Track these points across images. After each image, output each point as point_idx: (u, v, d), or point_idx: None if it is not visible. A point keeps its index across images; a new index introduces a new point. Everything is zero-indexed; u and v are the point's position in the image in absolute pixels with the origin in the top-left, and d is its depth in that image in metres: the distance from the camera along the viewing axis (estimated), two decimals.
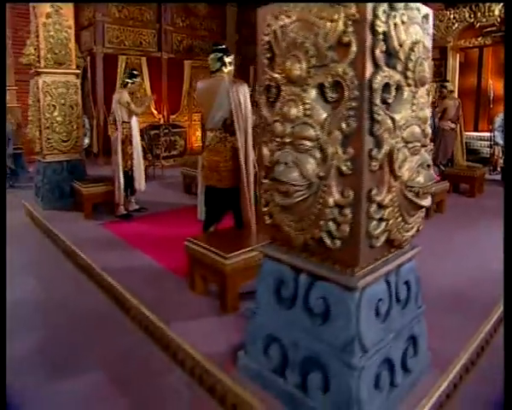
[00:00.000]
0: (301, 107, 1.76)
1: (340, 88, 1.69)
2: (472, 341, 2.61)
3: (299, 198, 1.77)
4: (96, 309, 3.48)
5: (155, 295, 3.25)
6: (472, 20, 8.40)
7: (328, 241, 1.77)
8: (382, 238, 1.79)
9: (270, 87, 1.95)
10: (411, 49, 1.76)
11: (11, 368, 2.71)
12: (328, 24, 1.68)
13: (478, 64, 10.12)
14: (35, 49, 5.88)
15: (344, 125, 1.69)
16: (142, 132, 9.79)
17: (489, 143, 8.42)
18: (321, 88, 1.74)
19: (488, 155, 8.45)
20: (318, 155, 1.74)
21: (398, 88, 1.76)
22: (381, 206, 1.74)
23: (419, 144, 1.86)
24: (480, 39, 8.56)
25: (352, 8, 1.63)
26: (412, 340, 2.12)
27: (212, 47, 3.60)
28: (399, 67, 1.75)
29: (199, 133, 12.42)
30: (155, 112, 11.60)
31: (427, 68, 1.84)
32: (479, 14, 8.33)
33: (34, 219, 5.93)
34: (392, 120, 1.73)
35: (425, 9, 1.92)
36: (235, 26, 12.91)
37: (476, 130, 9.81)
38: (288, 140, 1.79)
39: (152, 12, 11.77)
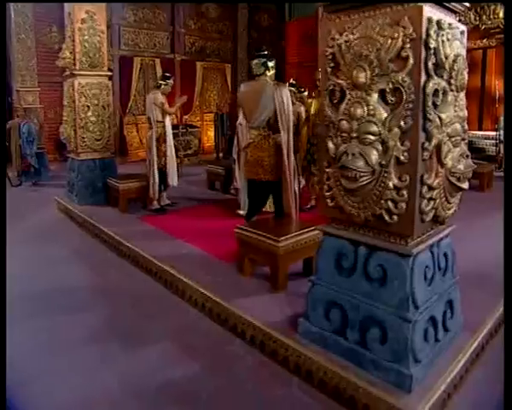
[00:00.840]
0: (366, 108, 2.16)
1: (399, 93, 2.09)
2: (495, 311, 3.02)
3: (364, 182, 2.17)
4: (149, 292, 3.88)
5: (207, 277, 3.63)
6: (477, 23, 8.82)
7: (387, 217, 2.17)
8: (430, 215, 2.20)
9: (334, 91, 2.34)
10: (454, 61, 2.16)
11: (89, 337, 3.12)
12: (389, 41, 2.08)
13: (482, 65, 10.56)
14: (70, 52, 6.24)
15: (402, 123, 2.09)
16: None
17: (494, 141, 8.84)
18: (382, 93, 2.14)
19: (494, 154, 8.87)
20: (380, 147, 2.14)
21: (444, 93, 2.16)
22: (430, 188, 2.14)
23: (459, 138, 2.26)
24: (484, 41, 8.99)
25: (410, 29, 2.03)
26: (449, 304, 2.52)
27: (255, 53, 3.97)
28: (445, 76, 2.14)
29: (210, 133, 12.80)
30: None
31: (466, 76, 2.24)
32: (484, 16, 8.76)
33: (70, 213, 6.31)
34: (440, 118, 2.13)
35: (462, 27, 2.33)
36: (247, 28, 13.26)
37: (480, 129, 10.24)
38: (354, 135, 2.19)
39: (165, 15, 12.16)
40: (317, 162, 4.39)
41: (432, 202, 2.18)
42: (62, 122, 9.81)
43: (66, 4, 6.42)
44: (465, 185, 2.28)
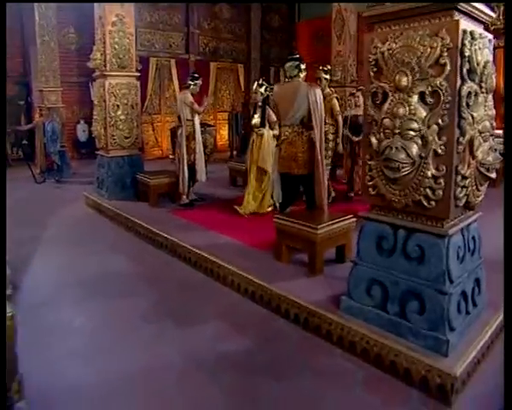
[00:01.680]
0: (407, 108, 2.47)
1: (437, 95, 2.40)
2: None
3: (405, 172, 2.49)
4: (190, 279, 4.21)
5: (247, 264, 3.95)
6: (487, 23, 9.08)
7: (425, 202, 2.49)
8: (463, 200, 2.51)
9: (376, 93, 2.66)
10: (484, 67, 2.48)
11: (143, 318, 3.43)
12: (429, 49, 2.39)
13: None
14: (101, 54, 6.57)
15: (440, 121, 2.40)
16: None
17: (502, 140, 9.12)
18: (422, 95, 2.45)
19: (502, 151, 9.14)
20: (420, 141, 2.45)
21: (476, 94, 2.47)
22: (463, 177, 2.46)
23: (488, 134, 2.58)
24: (494, 41, 9.25)
25: (447, 40, 2.34)
26: (477, 282, 2.84)
27: (288, 56, 4.28)
28: (477, 80, 2.46)
29: (223, 132, 13.12)
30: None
31: (494, 80, 2.55)
32: (494, 17, 9.03)
33: (100, 208, 6.64)
34: (472, 117, 2.45)
35: (489, 36, 2.64)
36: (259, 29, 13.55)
37: None
38: (397, 131, 2.50)
39: (180, 16, 12.45)
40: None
41: (464, 190, 2.49)
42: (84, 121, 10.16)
43: (96, 8, 6.74)
44: (493, 175, 2.61)
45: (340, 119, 5.77)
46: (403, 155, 2.47)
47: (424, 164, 2.46)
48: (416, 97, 2.47)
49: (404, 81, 2.47)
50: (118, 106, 6.62)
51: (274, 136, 5.43)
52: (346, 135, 6.30)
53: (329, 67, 5.99)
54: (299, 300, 3.22)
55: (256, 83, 5.74)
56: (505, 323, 1.71)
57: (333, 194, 6.06)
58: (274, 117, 5.34)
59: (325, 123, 5.27)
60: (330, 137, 5.72)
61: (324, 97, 5.17)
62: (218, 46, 13.09)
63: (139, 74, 7.02)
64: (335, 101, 5.80)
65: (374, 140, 2.65)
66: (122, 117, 6.66)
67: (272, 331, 3.24)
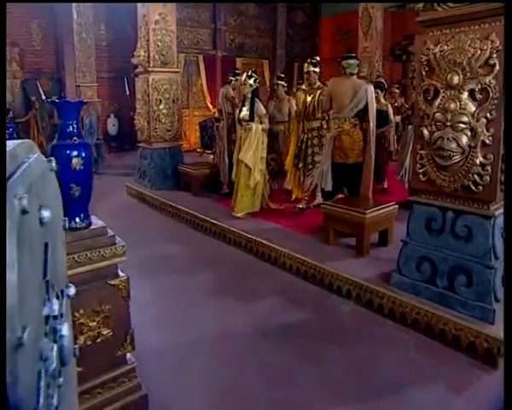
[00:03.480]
0: (458, 103, 2.78)
1: (486, 92, 2.71)
2: None
3: (456, 160, 2.81)
4: (242, 261, 4.56)
5: (297, 246, 4.30)
6: None
7: (473, 187, 2.80)
8: None
9: (428, 90, 2.97)
10: None
11: (205, 293, 3.79)
12: (479, 51, 2.70)
13: None
14: (145, 51, 6.94)
15: (488, 115, 2.71)
16: (208, 124, 10.85)
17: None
18: (471, 91, 2.76)
19: None
20: (469, 133, 2.76)
21: None
22: None
23: None
24: None
25: (497, 43, 2.64)
26: None
27: (349, 54, 4.60)
28: None
29: None
30: (210, 106, 12.64)
31: None
32: None
33: (143, 197, 7.04)
34: None
35: None
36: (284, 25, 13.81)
37: None
38: (448, 124, 2.82)
39: (207, 13, 12.77)
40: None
41: None
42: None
43: (139, 7, 7.11)
44: None
45: (331, 112, 5.26)
46: (454, 145, 2.78)
47: (473, 153, 2.77)
48: (466, 94, 2.77)
49: (456, 80, 2.78)
50: (160, 100, 6.99)
51: (263, 130, 5.25)
52: None
53: (318, 59, 5.58)
54: (351, 276, 3.56)
55: (245, 74, 5.51)
56: (505, 323, 1.92)
57: (303, 204, 5.58)
58: (263, 110, 5.30)
59: (315, 118, 5.36)
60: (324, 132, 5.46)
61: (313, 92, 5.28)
62: (243, 42, 13.40)
63: (180, 70, 7.38)
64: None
65: (426, 132, 2.97)
66: (164, 111, 7.03)
67: (327, 306, 3.58)
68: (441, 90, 2.88)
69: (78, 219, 2.27)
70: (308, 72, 5.44)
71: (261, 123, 5.20)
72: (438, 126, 2.89)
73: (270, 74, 13.68)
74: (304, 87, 5.57)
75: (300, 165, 5.50)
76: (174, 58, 7.14)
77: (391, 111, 6.33)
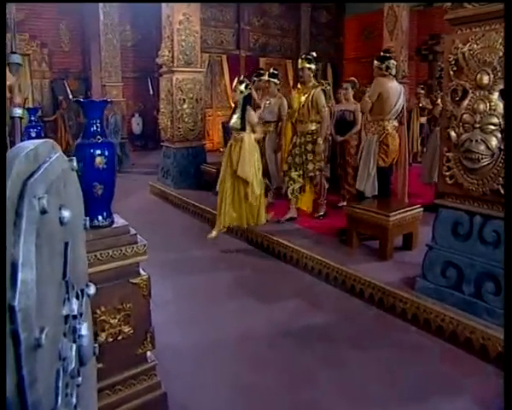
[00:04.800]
0: (488, 104, 2.70)
1: None
2: None
3: (485, 163, 2.72)
4: (263, 262, 4.55)
5: (319, 248, 4.25)
6: None
7: (503, 191, 2.71)
8: None
9: (456, 90, 2.89)
10: None
11: (227, 294, 3.77)
12: None
13: None
14: (169, 51, 6.99)
15: None
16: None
17: None
18: (501, 92, 2.67)
19: None
20: (499, 135, 2.68)
21: None
22: None
23: None
24: None
25: None
26: None
27: (387, 54, 4.46)
28: None
29: None
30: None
31: None
32: None
33: (166, 196, 7.09)
34: None
35: None
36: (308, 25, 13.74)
37: None
38: (477, 125, 2.73)
39: (231, 13, 12.81)
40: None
41: None
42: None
43: (164, 8, 7.16)
44: None
45: (325, 114, 4.89)
46: (482, 147, 2.70)
47: (502, 155, 2.68)
48: (496, 94, 2.69)
49: (486, 79, 2.69)
50: (184, 100, 7.04)
51: (256, 140, 4.79)
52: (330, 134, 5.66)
53: (315, 54, 5.08)
54: (374, 280, 3.49)
55: (236, 79, 5.08)
56: (505, 324, 1.85)
57: (293, 212, 5.20)
58: (255, 118, 4.82)
59: (310, 121, 4.87)
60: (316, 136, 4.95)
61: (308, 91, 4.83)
62: (267, 42, 13.38)
63: (203, 70, 7.40)
64: (321, 93, 4.88)
65: (453, 134, 2.89)
66: (187, 110, 7.07)
67: (349, 309, 3.53)
68: (470, 91, 2.80)
69: (100, 218, 2.29)
70: (302, 68, 4.97)
71: (253, 132, 4.76)
72: (466, 128, 2.81)
73: (293, 74, 13.62)
74: (299, 86, 5.13)
75: (294, 173, 4.98)
76: (198, 58, 7.17)
77: (359, 112, 5.42)
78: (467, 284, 2.94)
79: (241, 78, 5.00)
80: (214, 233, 4.93)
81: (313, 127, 4.91)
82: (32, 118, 5.57)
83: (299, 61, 5.05)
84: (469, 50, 2.79)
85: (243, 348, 3.00)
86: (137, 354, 2.29)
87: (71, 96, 10.66)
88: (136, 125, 13.48)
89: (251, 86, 6.34)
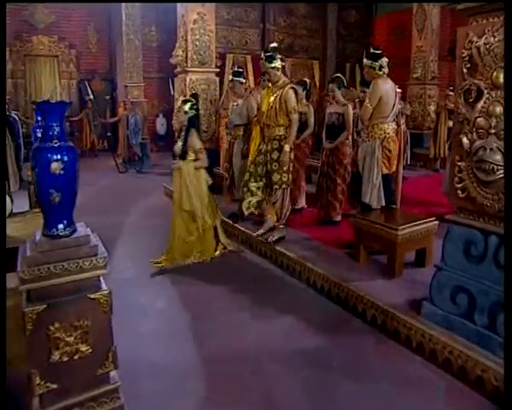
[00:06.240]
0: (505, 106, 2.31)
1: None
2: None
3: (501, 175, 2.33)
4: (266, 273, 4.26)
5: (323, 261, 3.92)
6: None
7: None
8: None
9: (469, 90, 2.51)
10: None
11: (219, 304, 3.60)
12: None
13: None
14: (183, 51, 6.80)
15: None
16: None
17: None
18: None
19: None
20: None
21: None
22: None
23: None
24: None
25: None
26: None
27: (378, 52, 4.03)
28: None
29: None
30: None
31: None
32: None
33: None
34: None
35: None
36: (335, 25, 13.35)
37: None
38: (492, 131, 2.35)
39: (256, 13, 12.55)
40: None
41: None
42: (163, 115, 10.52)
43: (179, 7, 6.98)
44: None
45: (294, 117, 4.22)
46: (498, 157, 2.32)
47: None
48: None
49: (503, 78, 2.31)
50: None
51: (196, 168, 4.25)
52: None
53: (275, 45, 4.60)
54: (378, 301, 3.14)
55: (180, 98, 4.56)
56: (505, 324, 1.55)
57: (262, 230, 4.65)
58: (198, 143, 4.22)
59: (280, 125, 4.26)
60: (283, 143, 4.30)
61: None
62: (293, 42, 13.04)
63: (218, 70, 7.18)
64: (291, 93, 4.22)
65: (465, 140, 2.51)
66: (201, 112, 6.81)
67: (348, 331, 3.19)
68: (485, 91, 2.42)
69: (61, 226, 2.13)
70: (266, 70, 4.45)
71: (196, 159, 4.24)
72: (480, 134, 2.43)
73: (320, 76, 13.26)
74: (269, 85, 4.47)
75: (253, 185, 4.43)
76: (212, 58, 6.95)
77: (349, 115, 4.86)
78: (479, 314, 2.55)
79: (186, 96, 4.49)
80: (160, 264, 4.26)
81: (281, 132, 4.28)
82: (39, 118, 5.49)
83: (261, 62, 4.45)
84: (485, 44, 2.41)
85: (225, 370, 2.75)
86: (97, 374, 2.12)
87: (92, 97, 10.67)
88: (161, 125, 13.44)
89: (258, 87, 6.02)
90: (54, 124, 2.17)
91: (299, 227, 4.91)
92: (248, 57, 12.50)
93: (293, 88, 4.28)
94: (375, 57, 3.95)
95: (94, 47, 13.38)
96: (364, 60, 4.09)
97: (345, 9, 13.43)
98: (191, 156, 4.21)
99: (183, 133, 4.27)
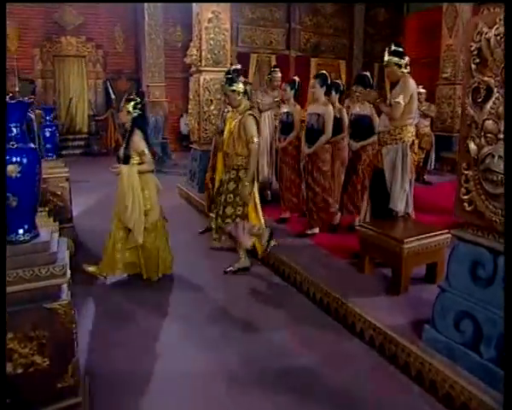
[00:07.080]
0: None
1: None
2: None
3: None
4: (264, 280, 4.05)
5: (325, 272, 3.66)
6: None
7: None
8: None
9: (478, 89, 2.20)
10: None
11: (209, 314, 3.36)
12: None
13: None
14: (197, 50, 6.64)
15: None
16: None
17: None
18: None
19: None
20: None
21: None
22: None
23: None
24: None
25: None
26: None
27: (399, 49, 3.68)
28: None
29: None
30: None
31: None
32: None
33: (191, 200, 6.76)
34: None
35: None
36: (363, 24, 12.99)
37: None
38: (501, 136, 2.04)
39: (281, 12, 12.34)
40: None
41: None
42: (187, 115, 10.40)
43: (194, 6, 6.82)
44: None
45: (254, 147, 3.76)
46: None
47: None
48: None
49: None
50: (211, 101, 6.66)
51: (140, 171, 3.72)
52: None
53: (239, 66, 4.46)
54: (377, 322, 2.85)
55: (124, 98, 4.12)
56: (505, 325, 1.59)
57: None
58: (141, 145, 3.71)
59: (238, 154, 3.84)
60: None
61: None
62: (319, 42, 12.76)
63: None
64: (251, 120, 3.78)
65: (472, 146, 2.20)
66: (215, 112, 6.67)
67: (344, 351, 2.92)
68: (495, 89, 2.10)
69: (21, 231, 2.03)
70: (225, 93, 4.14)
71: (141, 163, 3.74)
72: (488, 139, 2.12)
73: (346, 75, 12.90)
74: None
75: (213, 212, 4.17)
76: (227, 57, 6.75)
77: (329, 117, 4.52)
78: (486, 345, 2.23)
79: (131, 95, 4.04)
80: (91, 269, 3.93)
81: (239, 162, 3.86)
82: (48, 118, 5.43)
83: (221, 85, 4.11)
84: (496, 35, 2.10)
85: (202, 389, 2.56)
86: (57, 388, 2.03)
87: (113, 96, 10.69)
88: (184, 125, 13.39)
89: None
90: (12, 125, 2.04)
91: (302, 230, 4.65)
92: (273, 57, 12.32)
93: (251, 115, 3.82)
94: (402, 54, 3.63)
95: (120, 47, 13.45)
96: (388, 57, 3.65)
97: (373, 8, 13.02)
98: (135, 160, 3.74)
99: (127, 135, 3.85)
